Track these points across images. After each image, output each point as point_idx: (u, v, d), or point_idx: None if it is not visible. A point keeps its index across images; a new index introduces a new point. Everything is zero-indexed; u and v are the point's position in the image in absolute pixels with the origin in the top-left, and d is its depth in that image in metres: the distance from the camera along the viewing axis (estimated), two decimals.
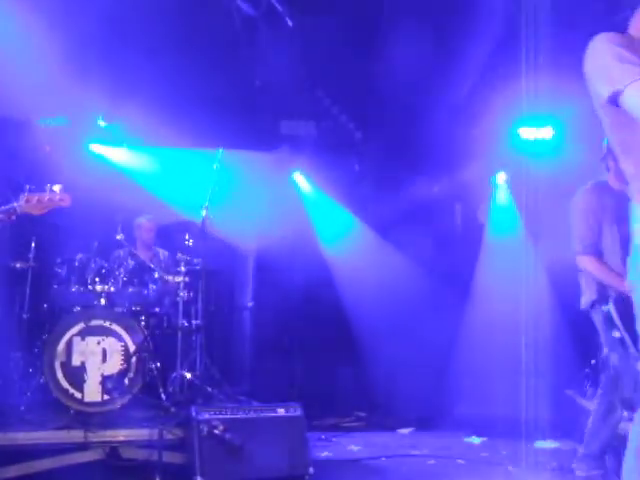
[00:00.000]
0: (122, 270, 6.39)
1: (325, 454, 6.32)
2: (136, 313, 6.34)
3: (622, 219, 3.31)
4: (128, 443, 5.30)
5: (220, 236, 7.58)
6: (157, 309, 6.66)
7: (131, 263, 6.53)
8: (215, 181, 6.43)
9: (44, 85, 6.75)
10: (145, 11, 6.79)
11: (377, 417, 7.81)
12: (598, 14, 6.52)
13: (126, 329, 5.92)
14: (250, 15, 6.99)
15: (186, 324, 6.52)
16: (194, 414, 5.20)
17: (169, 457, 5.22)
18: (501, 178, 9.00)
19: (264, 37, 7.57)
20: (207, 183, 6.46)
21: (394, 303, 8.23)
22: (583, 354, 7.46)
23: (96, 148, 8.17)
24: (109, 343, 5.84)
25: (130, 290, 6.43)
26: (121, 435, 5.34)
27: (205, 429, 5.06)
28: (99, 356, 5.80)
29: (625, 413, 5.71)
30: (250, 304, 8.94)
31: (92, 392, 5.70)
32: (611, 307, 4.57)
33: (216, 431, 5.03)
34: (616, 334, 4.52)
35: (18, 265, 6.42)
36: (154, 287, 6.61)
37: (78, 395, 5.67)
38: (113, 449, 5.25)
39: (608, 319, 4.64)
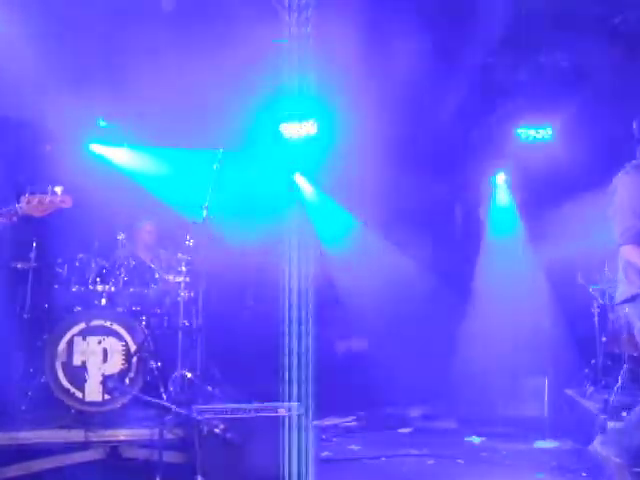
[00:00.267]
0: (123, 270, 6.40)
1: (325, 454, 6.33)
2: (137, 313, 6.35)
3: None
4: (129, 443, 5.32)
5: (220, 236, 7.58)
6: (158, 309, 6.67)
7: (132, 263, 6.54)
8: (215, 181, 6.43)
9: (45, 85, 6.76)
10: (145, 11, 6.80)
11: (377, 417, 7.81)
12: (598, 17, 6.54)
13: (127, 329, 5.93)
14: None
15: (187, 324, 6.52)
16: (194, 414, 5.21)
17: (169, 457, 5.23)
18: (501, 178, 9.01)
19: (265, 37, 7.57)
20: (207, 183, 6.47)
21: (394, 303, 8.24)
22: (583, 354, 7.48)
23: (96, 148, 8.18)
24: (110, 343, 5.85)
25: (131, 290, 6.44)
26: (122, 435, 5.36)
27: (205, 429, 5.06)
28: (100, 356, 5.81)
29: None
30: (250, 303, 8.95)
31: (93, 392, 5.71)
32: None
33: (216, 431, 5.04)
34: None
35: (19, 265, 6.43)
36: (155, 287, 6.62)
37: (79, 395, 5.69)
38: (113, 449, 5.27)
39: None
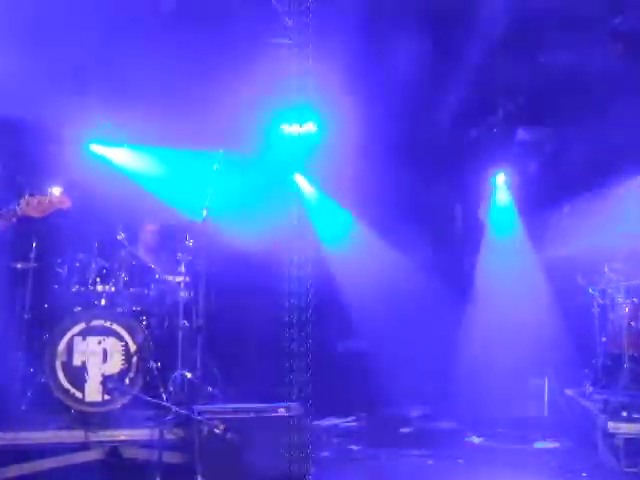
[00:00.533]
0: (123, 270, 6.40)
1: (325, 454, 6.33)
2: (137, 313, 6.36)
3: None
4: (129, 443, 5.33)
5: (220, 236, 7.58)
6: (158, 309, 6.67)
7: (132, 263, 6.54)
8: (215, 182, 6.44)
9: (45, 85, 6.75)
10: (146, 12, 6.80)
11: (377, 417, 7.81)
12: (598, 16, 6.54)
13: (127, 329, 5.93)
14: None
15: (187, 324, 6.52)
16: (194, 414, 5.21)
17: (169, 457, 5.24)
18: (501, 178, 9.01)
19: (264, 37, 7.57)
20: (207, 184, 6.47)
21: (394, 302, 8.24)
22: (583, 354, 7.48)
23: (96, 148, 8.17)
24: (110, 343, 5.86)
25: (131, 290, 6.45)
26: (122, 435, 5.37)
27: (205, 429, 5.07)
28: (100, 356, 5.81)
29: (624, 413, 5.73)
30: (250, 303, 8.93)
31: (93, 392, 5.72)
32: None
33: (216, 431, 5.04)
34: None
35: (19, 265, 6.43)
36: (155, 287, 6.62)
37: (79, 395, 5.69)
38: (114, 449, 5.28)
39: None
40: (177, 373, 6.15)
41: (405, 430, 7.42)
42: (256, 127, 8.35)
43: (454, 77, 7.83)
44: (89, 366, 5.76)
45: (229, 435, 5.05)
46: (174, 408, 5.73)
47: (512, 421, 7.16)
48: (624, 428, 5.76)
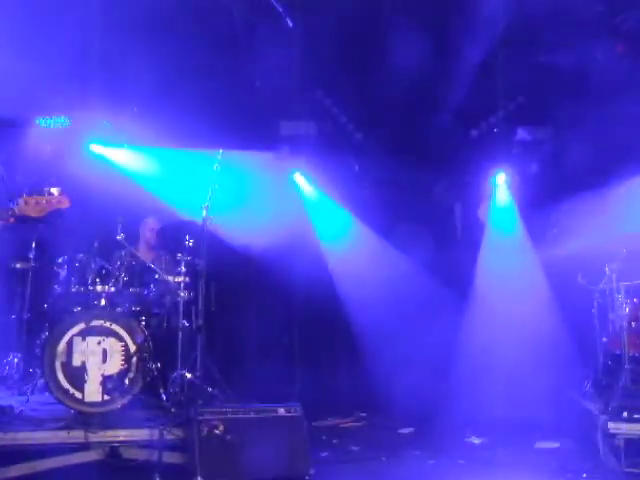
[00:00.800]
0: (123, 270, 6.39)
1: (325, 454, 6.32)
2: (136, 313, 6.34)
3: None
4: (128, 443, 5.32)
5: (220, 236, 7.58)
6: (157, 309, 6.66)
7: (132, 263, 6.53)
8: (215, 182, 6.43)
9: (45, 86, 6.76)
10: (146, 13, 6.80)
11: (377, 417, 7.81)
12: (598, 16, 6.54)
13: (127, 329, 5.92)
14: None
15: (186, 324, 6.52)
16: (194, 414, 5.21)
17: (169, 457, 5.24)
18: (501, 178, 9.00)
19: (264, 37, 7.57)
20: (207, 184, 6.46)
21: (394, 303, 8.23)
22: (583, 354, 7.47)
23: (96, 148, 8.17)
24: (109, 343, 5.85)
25: (130, 290, 6.43)
26: (121, 435, 5.36)
27: (205, 429, 5.07)
28: (99, 356, 5.80)
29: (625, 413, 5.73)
30: (250, 303, 8.93)
31: (93, 392, 5.71)
32: None
33: (216, 431, 5.04)
34: None
35: (19, 265, 6.44)
36: (154, 287, 6.61)
37: (79, 395, 5.68)
38: (113, 449, 5.27)
39: None
40: (177, 373, 6.15)
41: (405, 430, 7.41)
42: (256, 127, 8.35)
43: (454, 77, 7.83)
44: (89, 366, 5.75)
45: (229, 435, 5.05)
46: (174, 408, 5.73)
47: (512, 421, 7.15)
48: (625, 428, 5.75)
